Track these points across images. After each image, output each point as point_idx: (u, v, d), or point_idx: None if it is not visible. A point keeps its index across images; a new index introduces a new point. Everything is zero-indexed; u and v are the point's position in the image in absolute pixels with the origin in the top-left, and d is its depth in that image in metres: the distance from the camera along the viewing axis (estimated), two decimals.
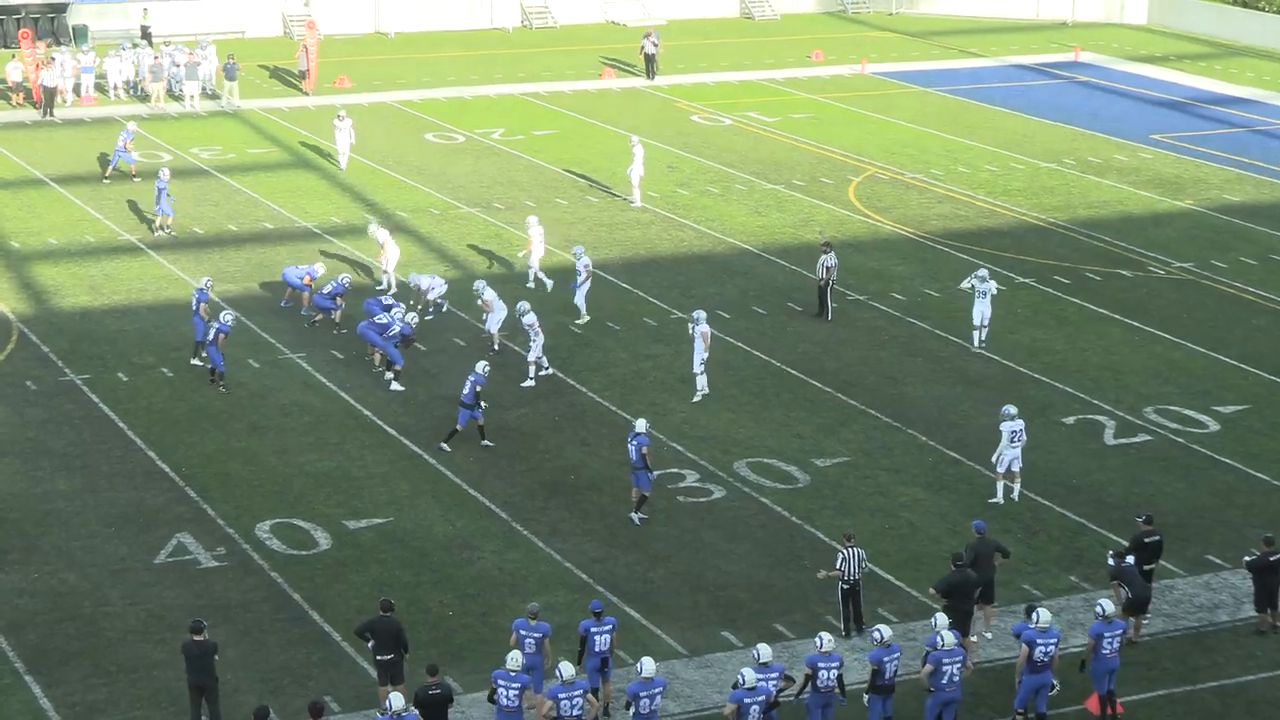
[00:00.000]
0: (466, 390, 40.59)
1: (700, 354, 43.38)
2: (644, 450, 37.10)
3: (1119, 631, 30.17)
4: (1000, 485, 38.53)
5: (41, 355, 45.93)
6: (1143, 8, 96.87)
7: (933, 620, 29.93)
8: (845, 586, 32.93)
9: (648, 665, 28.49)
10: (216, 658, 29.51)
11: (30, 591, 34.13)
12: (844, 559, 32.78)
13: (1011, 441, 38.18)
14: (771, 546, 36.56)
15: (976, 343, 46.88)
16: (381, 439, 41.39)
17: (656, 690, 28.36)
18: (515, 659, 28.66)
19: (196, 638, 29.32)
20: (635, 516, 37.47)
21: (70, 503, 37.92)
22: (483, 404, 40.75)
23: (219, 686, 29.53)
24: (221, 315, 43.97)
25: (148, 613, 33.41)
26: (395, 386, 44.04)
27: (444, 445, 40.66)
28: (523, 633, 29.95)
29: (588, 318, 48.66)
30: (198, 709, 29.42)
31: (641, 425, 37.43)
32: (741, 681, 28.20)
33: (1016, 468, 38.41)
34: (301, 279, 48.64)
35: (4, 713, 30.19)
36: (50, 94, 70.64)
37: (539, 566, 35.51)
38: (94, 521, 37.07)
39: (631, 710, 28.35)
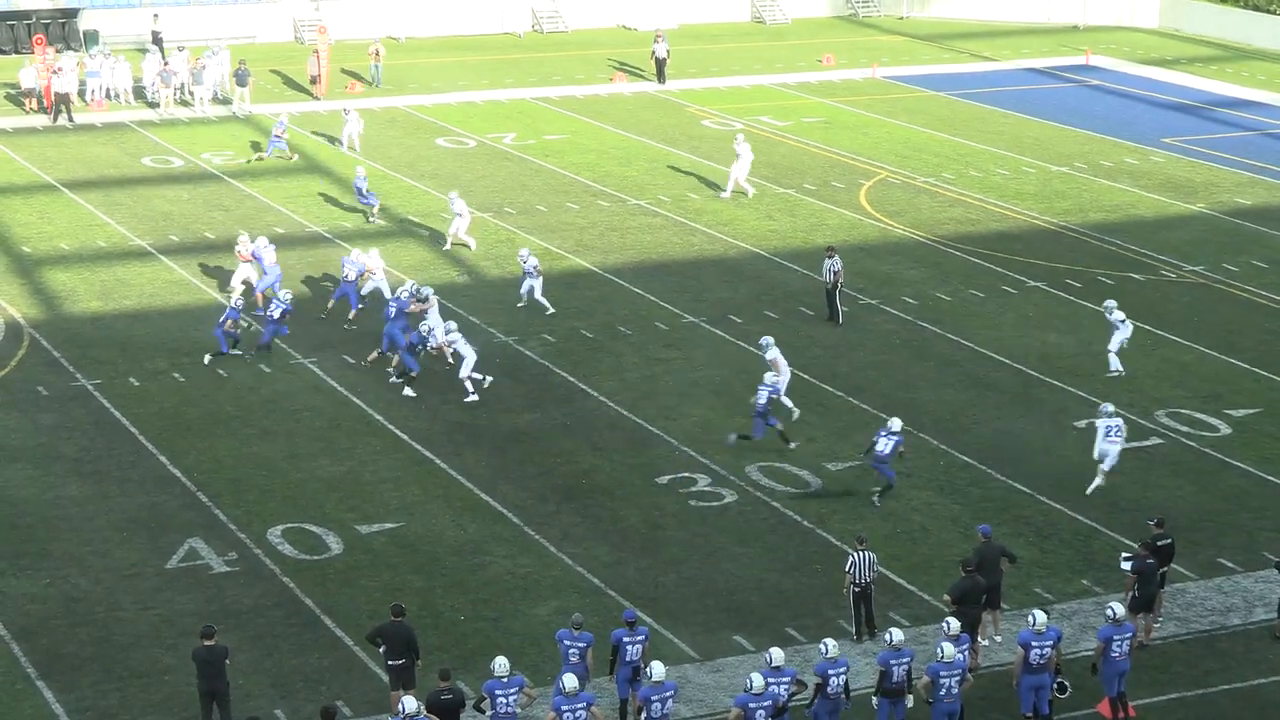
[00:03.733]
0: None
1: (776, 378, 42.61)
2: (900, 448, 38.21)
3: (1128, 634, 30.24)
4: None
5: (53, 360, 46.04)
6: (1153, 11, 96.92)
7: (944, 624, 29.96)
8: (857, 589, 32.95)
9: (658, 669, 28.51)
10: (228, 663, 29.57)
11: (42, 597, 34.21)
12: (854, 562, 32.81)
13: (1107, 435, 38.98)
14: (783, 550, 36.59)
15: (1114, 367, 45.94)
16: (393, 443, 41.45)
17: (668, 694, 28.36)
18: (502, 665, 28.60)
19: (207, 643, 29.36)
20: (876, 499, 38.54)
21: (82, 508, 38.00)
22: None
23: (230, 692, 29.60)
24: (233, 299, 46.07)
25: (159, 618, 33.48)
26: (408, 392, 44.13)
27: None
28: (567, 643, 29.89)
29: (551, 310, 49.42)
30: (209, 714, 29.47)
31: (897, 424, 38.57)
32: (749, 686, 28.23)
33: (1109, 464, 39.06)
34: (359, 278, 48.81)
35: (16, 718, 30.27)
36: (62, 99, 70.84)
37: (551, 571, 35.55)
38: (106, 527, 37.15)
39: (644, 714, 28.39)
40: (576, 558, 36.12)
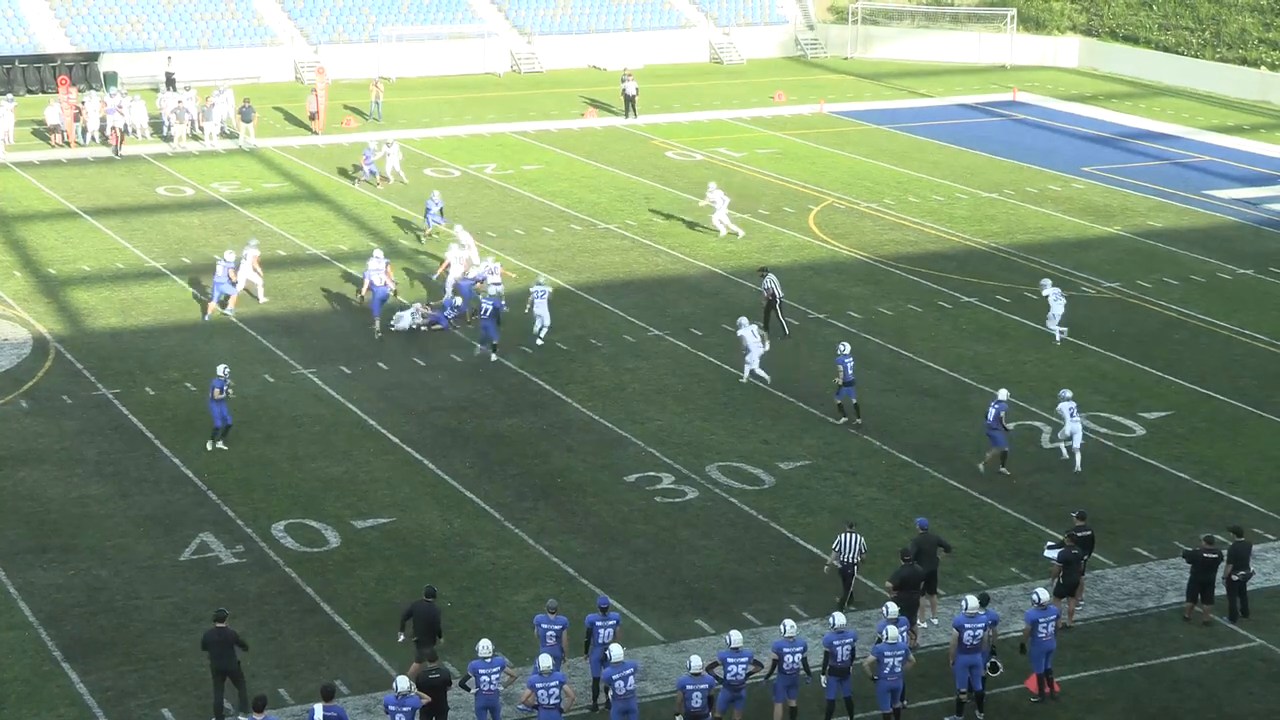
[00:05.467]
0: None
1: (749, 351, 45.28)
2: (1002, 415, 39.45)
3: (1053, 617, 30.31)
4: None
5: (76, 372, 45.89)
6: (1074, 52, 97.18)
7: (884, 609, 30.02)
8: (839, 566, 33.18)
9: (616, 651, 28.46)
10: (239, 645, 29.50)
11: (67, 587, 34.11)
12: (840, 542, 33.09)
13: (1071, 416, 40.22)
14: (740, 542, 36.59)
15: (1057, 335, 49.10)
16: (386, 446, 41.37)
17: (628, 672, 28.29)
18: (486, 647, 28.60)
19: (218, 625, 29.30)
20: (1003, 470, 39.98)
21: (103, 506, 37.89)
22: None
23: (242, 669, 29.51)
24: (220, 369, 41.78)
25: (174, 606, 33.39)
26: (494, 358, 46.82)
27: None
28: (544, 626, 29.86)
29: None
30: (220, 692, 29.38)
31: (1004, 394, 39.94)
32: (689, 667, 28.16)
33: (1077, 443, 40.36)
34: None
35: (44, 696, 30.17)
36: (122, 133, 71.32)
37: (529, 562, 35.51)
38: (125, 523, 37.05)
39: (610, 692, 28.37)
40: (552, 549, 36.09)
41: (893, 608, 29.94)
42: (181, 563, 35.27)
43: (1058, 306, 48.62)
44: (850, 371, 42.46)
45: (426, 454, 40.92)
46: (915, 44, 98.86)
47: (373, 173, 66.24)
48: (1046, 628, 30.20)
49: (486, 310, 47.12)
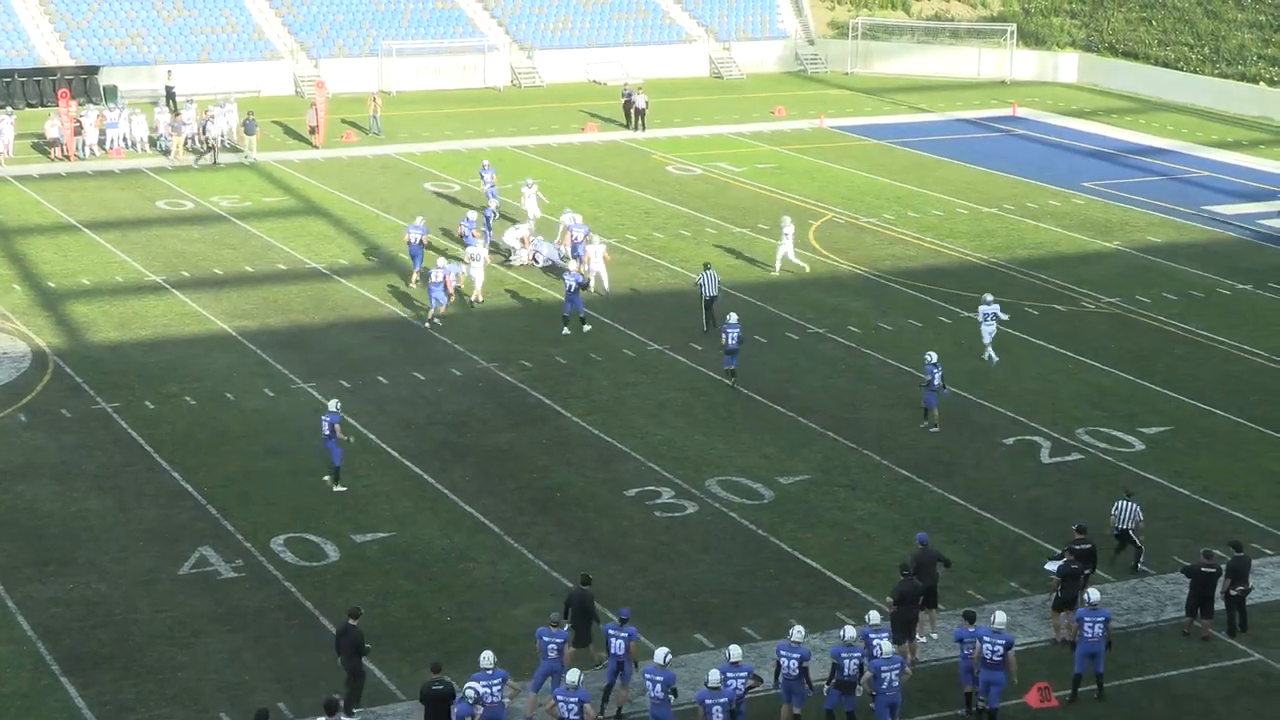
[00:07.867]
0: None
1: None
2: (933, 376, 43.13)
3: (1101, 619, 30.63)
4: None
5: (75, 385, 45.90)
6: (1073, 67, 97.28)
7: (866, 616, 30.25)
8: (1116, 531, 35.51)
9: (659, 654, 28.86)
10: (367, 646, 29.92)
11: (66, 601, 34.10)
12: (1117, 508, 35.50)
13: (985, 320, 47.68)
14: (740, 557, 36.58)
15: (778, 268, 56.71)
16: (386, 460, 41.37)
17: (660, 679, 28.47)
18: (487, 658, 28.66)
19: (349, 622, 29.82)
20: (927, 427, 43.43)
21: (102, 520, 37.88)
22: None
23: (359, 673, 29.80)
24: (331, 403, 40.75)
25: (173, 619, 33.37)
26: (586, 327, 50.44)
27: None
28: (545, 639, 29.92)
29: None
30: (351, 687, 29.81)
31: (933, 356, 43.56)
32: (707, 681, 28.21)
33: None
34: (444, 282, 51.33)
35: (43, 711, 30.14)
36: (213, 143, 72.68)
37: (529, 576, 35.50)
38: (124, 537, 37.04)
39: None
40: (552, 564, 36.08)
41: (873, 615, 30.28)
42: (180, 577, 35.25)
43: (787, 243, 56.20)
44: (733, 341, 45.68)
45: (426, 468, 40.92)
46: (915, 59, 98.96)
47: (490, 194, 62.56)
48: (1093, 629, 30.55)
49: (571, 286, 50.36)
